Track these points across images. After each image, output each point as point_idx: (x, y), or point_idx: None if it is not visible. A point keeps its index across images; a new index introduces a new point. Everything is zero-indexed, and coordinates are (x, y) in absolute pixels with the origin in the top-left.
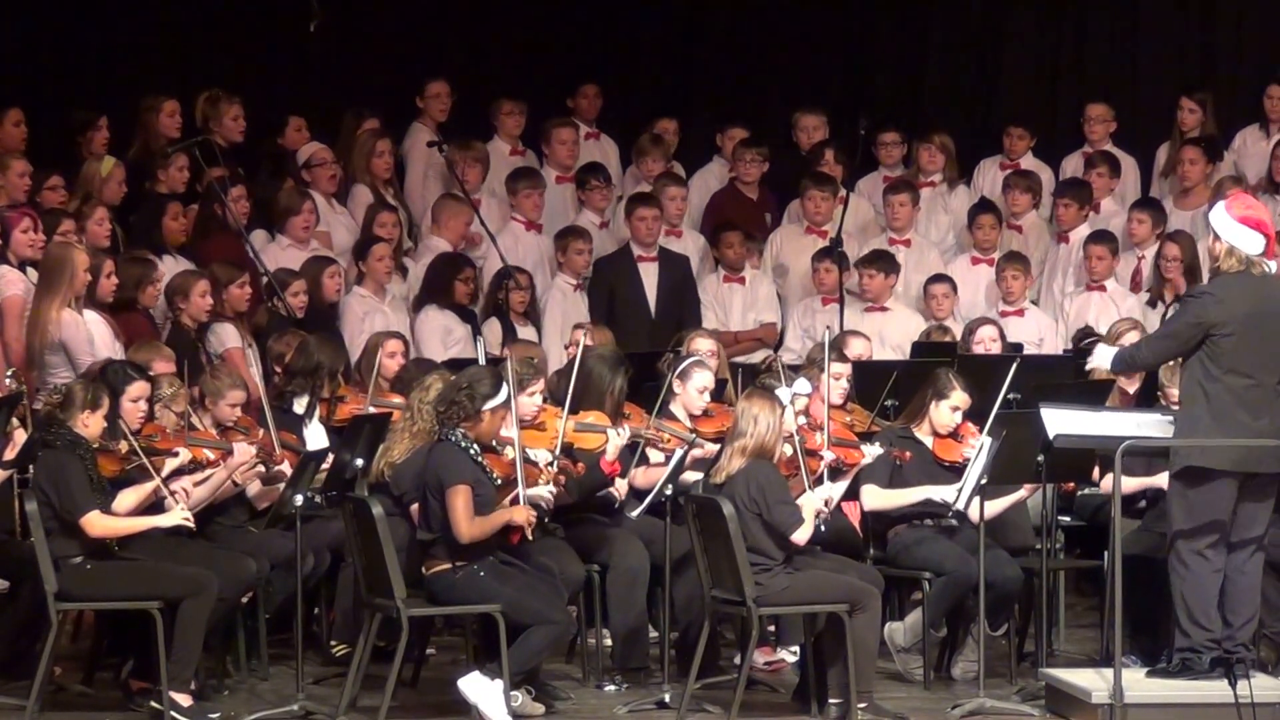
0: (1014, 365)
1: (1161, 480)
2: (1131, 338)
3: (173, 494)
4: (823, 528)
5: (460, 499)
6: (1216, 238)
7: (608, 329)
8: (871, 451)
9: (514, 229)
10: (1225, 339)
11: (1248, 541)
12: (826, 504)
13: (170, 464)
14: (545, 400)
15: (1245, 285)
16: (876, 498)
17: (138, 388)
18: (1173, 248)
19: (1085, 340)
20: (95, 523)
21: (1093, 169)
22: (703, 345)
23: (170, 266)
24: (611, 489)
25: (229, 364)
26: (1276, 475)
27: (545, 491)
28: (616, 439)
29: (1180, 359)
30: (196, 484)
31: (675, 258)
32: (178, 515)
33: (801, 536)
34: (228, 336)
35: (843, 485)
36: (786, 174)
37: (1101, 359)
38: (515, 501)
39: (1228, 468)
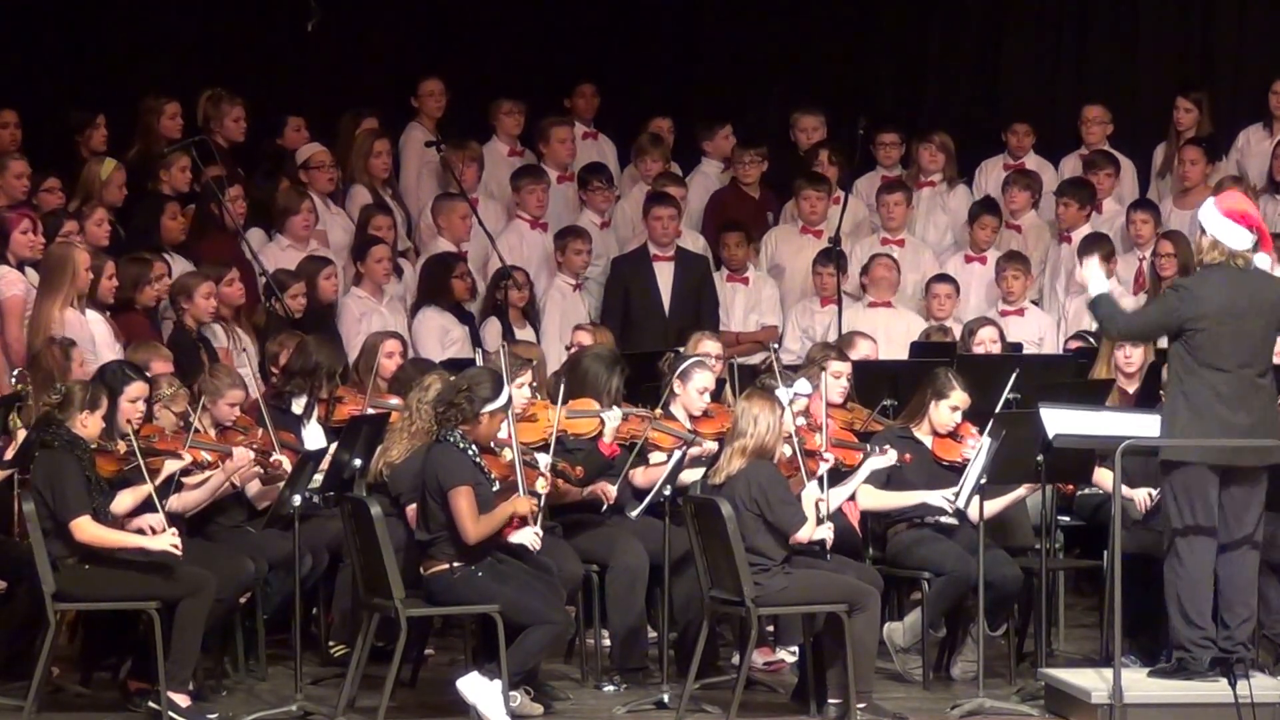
0: (1015, 373)
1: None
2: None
3: (164, 509)
4: (828, 524)
5: (463, 500)
6: (1203, 232)
7: (608, 329)
8: (890, 456)
9: (518, 227)
10: (1199, 334)
11: (1240, 541)
12: (820, 504)
13: (170, 465)
14: (535, 394)
15: (1223, 279)
16: (872, 497)
17: (136, 388)
18: (1167, 245)
19: (1079, 344)
20: (85, 528)
21: (1098, 170)
22: (710, 347)
23: (170, 266)
24: (600, 492)
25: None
26: (1261, 470)
27: (530, 537)
28: (612, 420)
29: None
30: (194, 486)
31: (693, 258)
32: (166, 541)
33: (804, 535)
34: (216, 337)
35: (842, 489)
36: (785, 174)
37: (1093, 280)
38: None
39: (1207, 461)
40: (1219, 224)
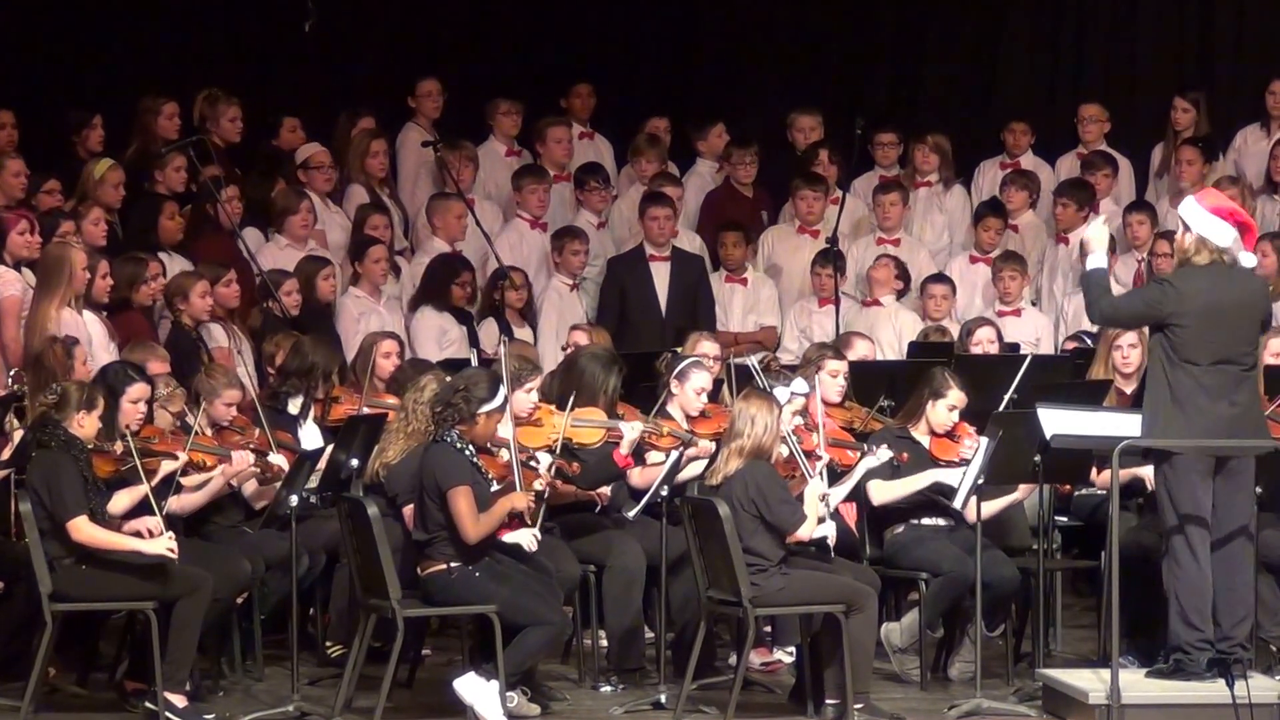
0: (1024, 364)
1: (1148, 470)
2: (1129, 338)
3: (166, 515)
4: (830, 522)
5: (463, 500)
6: (1186, 229)
7: (604, 330)
8: (882, 455)
9: (519, 226)
10: (1181, 330)
11: (1233, 536)
12: (824, 499)
13: (166, 466)
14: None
15: (1209, 277)
16: (885, 490)
17: (138, 389)
18: (1164, 245)
19: (1075, 345)
20: (81, 528)
21: (1096, 170)
22: (709, 348)
23: (166, 266)
24: (594, 493)
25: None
26: (1248, 460)
27: (526, 538)
28: (631, 433)
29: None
30: (193, 488)
31: (689, 258)
32: (162, 544)
33: (805, 533)
34: (215, 336)
35: (838, 490)
36: (781, 174)
37: (1097, 246)
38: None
39: (1193, 447)
40: (1204, 221)
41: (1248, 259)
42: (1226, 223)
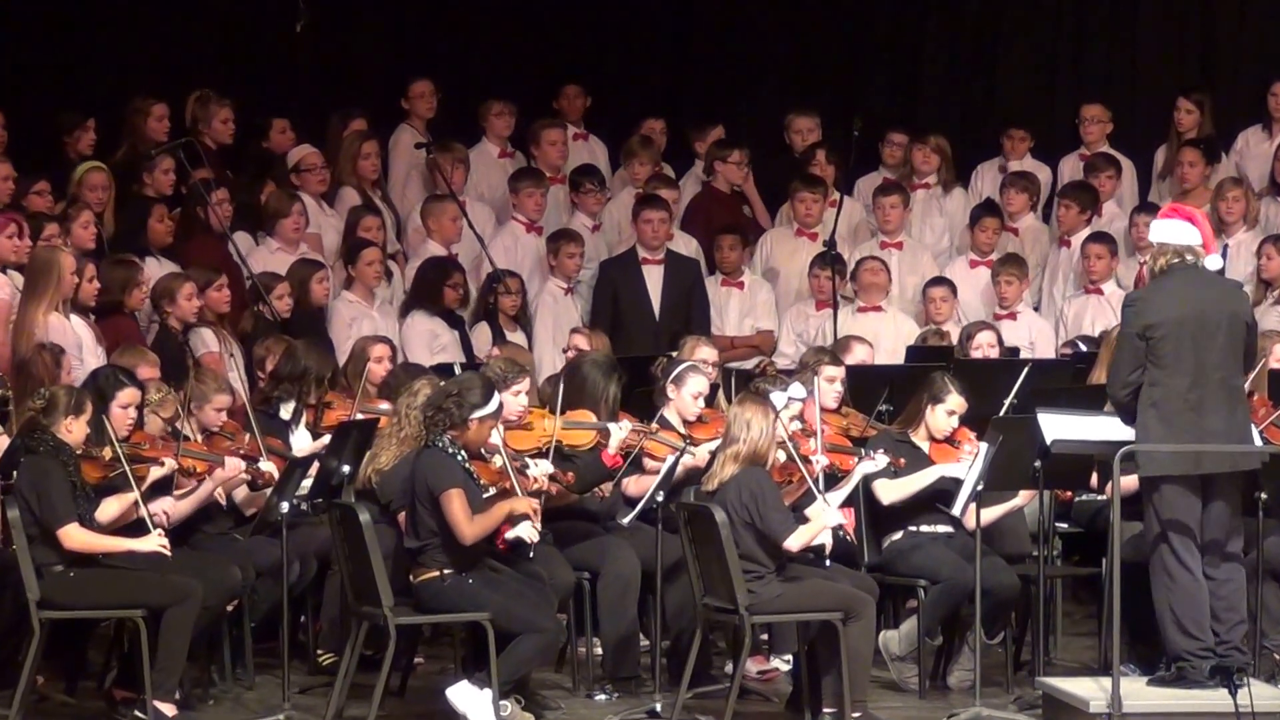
0: (1024, 370)
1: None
2: None
3: (152, 517)
4: (849, 537)
5: (456, 502)
6: (1149, 245)
7: (604, 334)
8: (880, 461)
9: (514, 229)
10: (1161, 342)
11: (1223, 550)
12: (840, 529)
13: (155, 473)
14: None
15: (1178, 283)
16: (892, 489)
17: (128, 394)
18: None
19: (1075, 350)
20: (73, 535)
21: (1100, 172)
22: (706, 353)
23: (155, 269)
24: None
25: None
26: (1238, 475)
27: (527, 530)
28: (619, 432)
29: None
30: (183, 495)
31: (684, 261)
32: (154, 542)
33: (794, 544)
34: (206, 340)
35: (840, 493)
36: (780, 176)
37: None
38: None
39: (1182, 472)
40: (1160, 227)
41: (1213, 261)
42: (1185, 222)
